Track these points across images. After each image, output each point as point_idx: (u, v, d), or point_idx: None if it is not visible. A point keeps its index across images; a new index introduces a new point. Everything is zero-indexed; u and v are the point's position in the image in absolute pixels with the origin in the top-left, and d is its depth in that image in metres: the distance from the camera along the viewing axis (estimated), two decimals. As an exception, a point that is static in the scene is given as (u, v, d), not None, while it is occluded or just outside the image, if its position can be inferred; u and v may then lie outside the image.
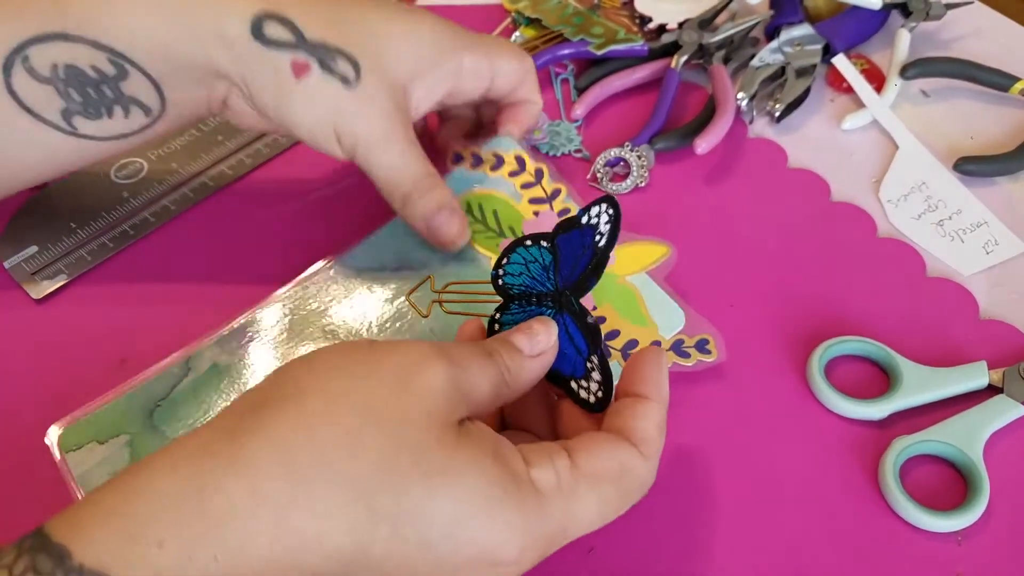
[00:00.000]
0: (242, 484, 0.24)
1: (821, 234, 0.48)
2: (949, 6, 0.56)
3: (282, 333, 0.40)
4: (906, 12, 0.56)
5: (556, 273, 0.33)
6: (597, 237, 0.32)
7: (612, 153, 0.50)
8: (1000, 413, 0.39)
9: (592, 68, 0.56)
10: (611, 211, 0.32)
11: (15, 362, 0.42)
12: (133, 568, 0.23)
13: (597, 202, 0.32)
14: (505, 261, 0.34)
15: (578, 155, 0.52)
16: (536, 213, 0.45)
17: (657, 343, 0.40)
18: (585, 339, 0.32)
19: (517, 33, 0.58)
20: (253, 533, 0.24)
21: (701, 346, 0.40)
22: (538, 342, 0.31)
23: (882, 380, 0.42)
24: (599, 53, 0.55)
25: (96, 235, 0.46)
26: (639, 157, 0.50)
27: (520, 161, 0.46)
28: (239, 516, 0.24)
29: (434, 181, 0.40)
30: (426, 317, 0.40)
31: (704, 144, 0.49)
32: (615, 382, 0.32)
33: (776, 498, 0.38)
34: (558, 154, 0.51)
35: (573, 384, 0.33)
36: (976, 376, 0.40)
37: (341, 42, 0.38)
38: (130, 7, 0.36)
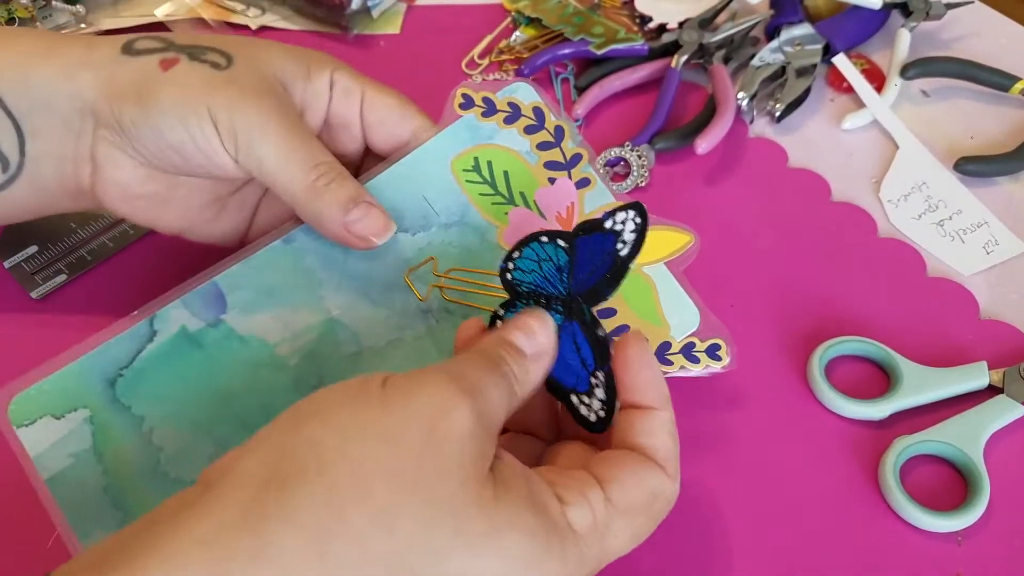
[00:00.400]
0: None
1: (821, 234, 0.48)
2: (949, 6, 0.56)
3: (262, 297, 0.36)
4: (906, 12, 0.56)
5: (570, 276, 0.31)
6: (620, 245, 0.30)
7: (612, 153, 0.50)
8: (1000, 413, 0.39)
9: (592, 68, 0.56)
10: (639, 220, 0.30)
11: (14, 362, 0.42)
12: None
13: (624, 207, 0.30)
14: (516, 255, 0.32)
15: (578, 155, 0.52)
16: (552, 180, 0.39)
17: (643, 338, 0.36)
18: (593, 352, 0.30)
19: (517, 32, 0.58)
20: None
21: (712, 351, 0.37)
22: (537, 342, 0.29)
23: (882, 380, 0.42)
24: (599, 53, 0.55)
25: (96, 235, 0.46)
26: (639, 157, 0.50)
27: (539, 114, 0.40)
28: None
29: (340, 170, 0.35)
30: (423, 301, 0.37)
31: (704, 144, 0.49)
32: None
33: (776, 498, 0.38)
34: (558, 154, 0.51)
35: (574, 398, 0.31)
36: (976, 376, 0.40)
37: (216, 45, 0.36)
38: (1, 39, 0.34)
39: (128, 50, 0.35)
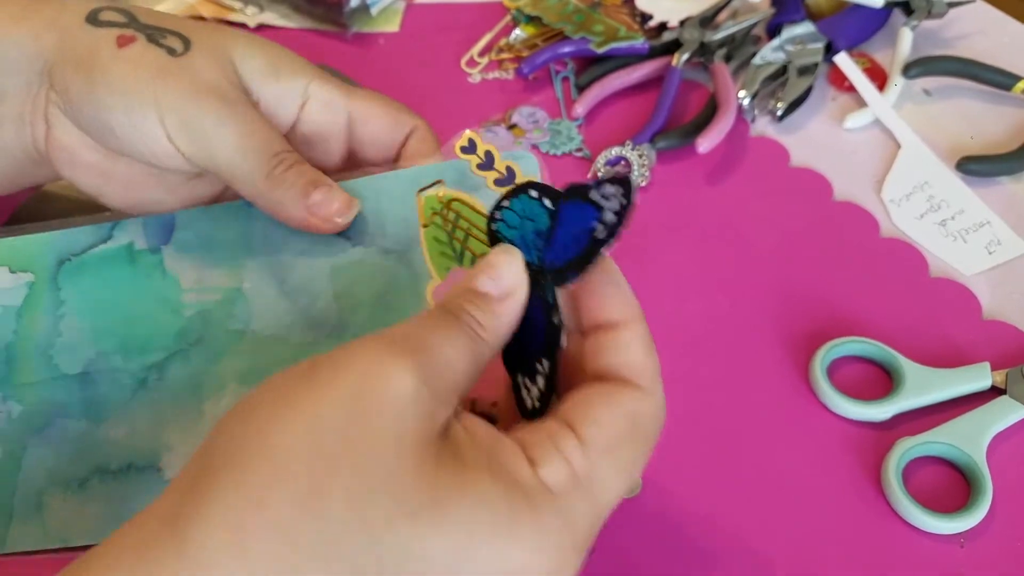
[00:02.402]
0: None
1: (823, 234, 0.47)
2: (951, 4, 0.56)
3: (199, 245, 0.36)
4: (908, 10, 0.56)
5: (547, 245, 0.28)
6: (597, 225, 0.27)
7: (613, 152, 0.50)
8: (1003, 415, 0.39)
9: (593, 66, 0.55)
10: (624, 200, 0.26)
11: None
12: None
13: (615, 180, 0.27)
14: (506, 203, 0.30)
15: (579, 154, 0.51)
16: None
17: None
18: (545, 336, 0.27)
19: (517, 31, 0.58)
20: None
21: None
22: (503, 279, 0.26)
23: (885, 381, 0.41)
24: (600, 51, 0.54)
25: (93, 234, 0.45)
26: (640, 156, 0.50)
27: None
28: None
29: (297, 158, 0.34)
30: (426, 227, 0.35)
31: (706, 143, 0.49)
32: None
33: (778, 499, 0.38)
34: (559, 153, 0.51)
35: (519, 376, 0.28)
36: (979, 377, 0.40)
37: (178, 28, 0.35)
38: None
39: (92, 19, 0.35)
